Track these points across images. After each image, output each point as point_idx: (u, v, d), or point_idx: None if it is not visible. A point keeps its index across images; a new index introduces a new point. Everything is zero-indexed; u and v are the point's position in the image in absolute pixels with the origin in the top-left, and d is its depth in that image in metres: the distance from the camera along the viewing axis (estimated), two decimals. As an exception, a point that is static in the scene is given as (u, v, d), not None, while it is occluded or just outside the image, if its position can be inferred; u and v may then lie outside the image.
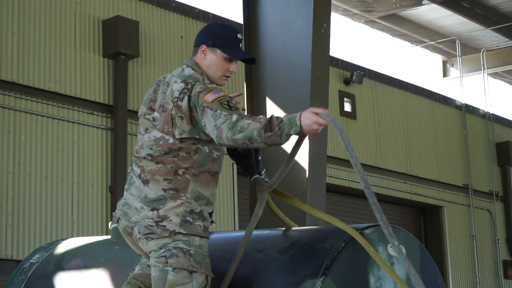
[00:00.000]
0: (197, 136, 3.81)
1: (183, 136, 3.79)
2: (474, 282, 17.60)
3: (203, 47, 3.95)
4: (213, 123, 3.68)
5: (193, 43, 4.07)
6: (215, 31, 4.01)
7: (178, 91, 3.82)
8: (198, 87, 3.80)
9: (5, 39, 10.36)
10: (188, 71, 3.93)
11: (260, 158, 4.09)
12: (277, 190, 4.12)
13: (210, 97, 3.72)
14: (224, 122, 3.64)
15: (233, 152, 4.07)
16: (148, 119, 3.91)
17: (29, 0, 10.70)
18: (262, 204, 4.03)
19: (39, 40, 10.69)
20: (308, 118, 3.61)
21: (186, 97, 3.78)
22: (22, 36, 10.53)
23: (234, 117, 3.65)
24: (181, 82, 3.85)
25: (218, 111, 3.68)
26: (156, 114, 3.88)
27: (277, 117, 3.66)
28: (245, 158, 4.06)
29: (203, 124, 3.74)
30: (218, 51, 3.95)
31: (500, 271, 18.33)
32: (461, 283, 17.29)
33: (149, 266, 3.98)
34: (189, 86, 3.81)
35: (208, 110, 3.70)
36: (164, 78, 4.02)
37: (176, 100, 3.80)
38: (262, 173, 4.09)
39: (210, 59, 3.96)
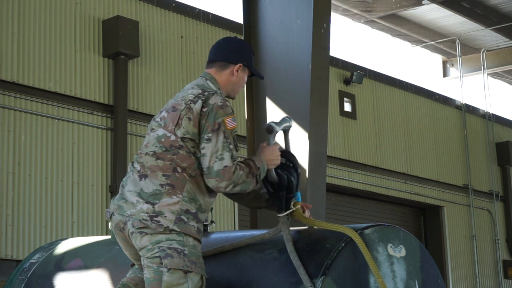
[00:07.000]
0: (197, 141, 3.87)
1: (186, 136, 3.85)
2: (474, 282, 17.60)
3: (239, 65, 4.11)
4: (219, 152, 3.80)
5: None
6: (246, 50, 4.17)
7: (193, 95, 3.93)
8: (218, 99, 3.91)
9: (5, 39, 10.36)
10: (207, 83, 4.06)
11: (291, 195, 4.05)
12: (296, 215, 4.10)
13: (230, 122, 3.85)
14: (231, 168, 3.78)
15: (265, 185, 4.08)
16: (157, 120, 4.00)
17: (29, 0, 10.69)
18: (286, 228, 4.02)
19: (39, 40, 10.69)
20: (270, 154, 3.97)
21: (200, 101, 3.88)
22: (22, 36, 10.52)
23: (240, 173, 3.80)
24: (199, 89, 3.98)
25: (229, 145, 3.81)
26: (164, 114, 3.97)
27: (253, 164, 3.90)
28: (273, 197, 4.07)
29: (206, 138, 3.82)
30: (247, 70, 4.14)
31: (500, 271, 18.32)
32: (461, 283, 17.29)
33: (141, 269, 4.00)
34: (205, 93, 3.93)
35: (222, 134, 3.82)
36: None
37: (189, 102, 3.90)
38: (295, 198, 4.07)
39: (240, 77, 4.13)
